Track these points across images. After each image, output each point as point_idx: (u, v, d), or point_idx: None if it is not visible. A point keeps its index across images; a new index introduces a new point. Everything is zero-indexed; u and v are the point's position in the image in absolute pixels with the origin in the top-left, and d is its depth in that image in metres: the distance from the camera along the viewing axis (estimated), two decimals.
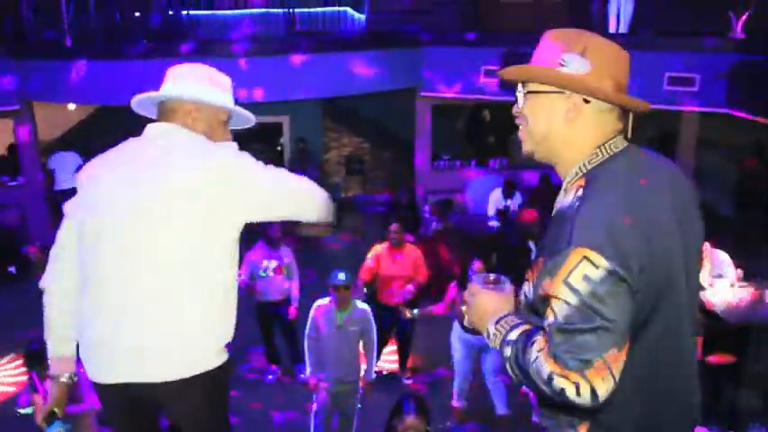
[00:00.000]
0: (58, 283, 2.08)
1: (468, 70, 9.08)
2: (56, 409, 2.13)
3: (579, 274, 1.31)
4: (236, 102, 2.18)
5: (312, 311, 4.77)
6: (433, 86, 9.43)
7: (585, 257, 1.31)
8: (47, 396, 2.16)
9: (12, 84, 8.34)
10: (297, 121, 11.15)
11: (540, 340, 1.38)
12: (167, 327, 1.90)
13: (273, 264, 5.81)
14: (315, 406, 4.82)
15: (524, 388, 4.15)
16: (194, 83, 2.06)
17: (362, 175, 12.03)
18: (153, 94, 2.08)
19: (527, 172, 9.66)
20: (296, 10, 9.27)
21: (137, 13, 9.16)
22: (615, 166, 1.45)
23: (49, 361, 2.13)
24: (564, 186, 1.53)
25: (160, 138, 2.00)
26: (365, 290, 5.86)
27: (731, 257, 5.53)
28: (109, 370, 1.96)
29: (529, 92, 1.54)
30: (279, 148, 11.44)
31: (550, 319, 1.36)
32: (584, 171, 1.48)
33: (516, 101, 1.57)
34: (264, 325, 6.06)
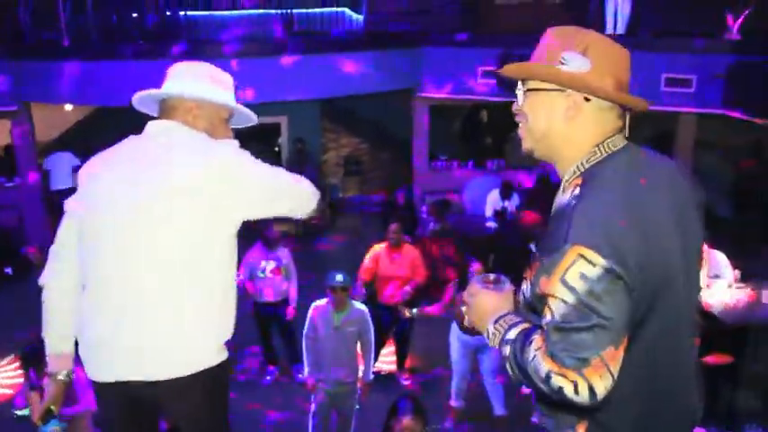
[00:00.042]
0: (58, 280, 2.08)
1: (466, 71, 9.09)
2: (52, 407, 2.13)
3: (576, 273, 1.31)
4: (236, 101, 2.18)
5: (310, 312, 4.77)
6: (430, 87, 9.44)
7: (582, 255, 1.31)
8: (44, 394, 2.15)
9: (9, 84, 8.31)
10: (295, 122, 11.14)
11: (537, 339, 1.39)
12: (167, 326, 1.90)
13: (272, 264, 5.81)
14: (313, 406, 4.82)
15: (524, 389, 4.16)
16: (196, 81, 2.06)
17: (360, 176, 12.03)
18: (154, 91, 2.08)
19: (524, 173, 9.67)
20: (294, 10, 9.26)
21: (134, 14, 9.15)
22: (614, 165, 1.45)
23: (47, 358, 2.13)
24: (562, 185, 1.53)
25: (161, 135, 2.00)
26: (365, 290, 5.84)
27: (729, 258, 5.55)
28: (108, 369, 1.96)
29: (529, 89, 1.53)
30: (277, 149, 11.43)
31: (548, 317, 1.36)
32: (583, 169, 1.48)
33: (516, 99, 1.57)
34: (262, 326, 6.05)
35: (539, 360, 1.35)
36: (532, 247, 1.52)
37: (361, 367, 4.88)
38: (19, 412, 3.83)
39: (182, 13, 9.33)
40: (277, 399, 5.85)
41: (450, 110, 10.87)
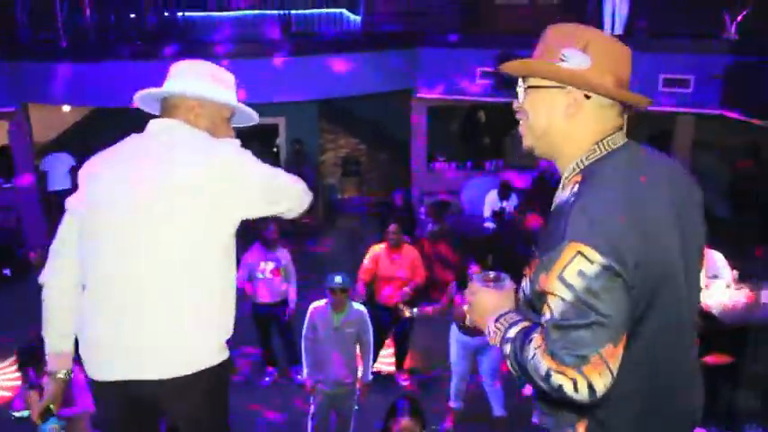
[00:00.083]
0: (57, 278, 2.07)
1: (464, 72, 9.09)
2: (51, 406, 2.12)
3: (574, 270, 1.31)
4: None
5: (308, 313, 4.76)
6: (428, 88, 9.44)
7: (580, 252, 1.30)
8: (43, 393, 2.15)
9: (6, 85, 8.30)
10: (293, 123, 11.14)
11: (537, 337, 1.39)
12: (168, 325, 1.89)
13: (271, 265, 5.80)
14: (312, 408, 4.82)
15: (525, 390, 4.17)
16: (197, 79, 2.06)
17: (358, 177, 12.03)
18: (156, 90, 2.07)
19: (523, 173, 9.68)
20: (291, 11, 9.26)
21: (131, 15, 9.14)
22: (614, 163, 1.45)
23: (47, 357, 2.12)
24: (562, 182, 1.53)
25: (162, 134, 2.00)
26: (365, 291, 5.82)
27: (726, 259, 5.56)
28: (109, 368, 1.95)
29: (529, 87, 1.53)
30: (275, 150, 11.42)
31: (547, 315, 1.36)
32: (582, 167, 1.48)
33: (516, 96, 1.57)
34: (261, 327, 6.04)
35: (538, 358, 1.35)
36: (534, 248, 1.51)
37: (360, 368, 4.87)
38: (17, 414, 3.81)
39: (179, 13, 9.32)
40: (276, 400, 5.84)
41: (449, 110, 10.87)
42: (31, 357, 3.65)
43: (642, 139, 1.55)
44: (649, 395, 1.46)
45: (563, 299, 1.32)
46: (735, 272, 5.61)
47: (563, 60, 1.46)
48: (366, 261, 5.84)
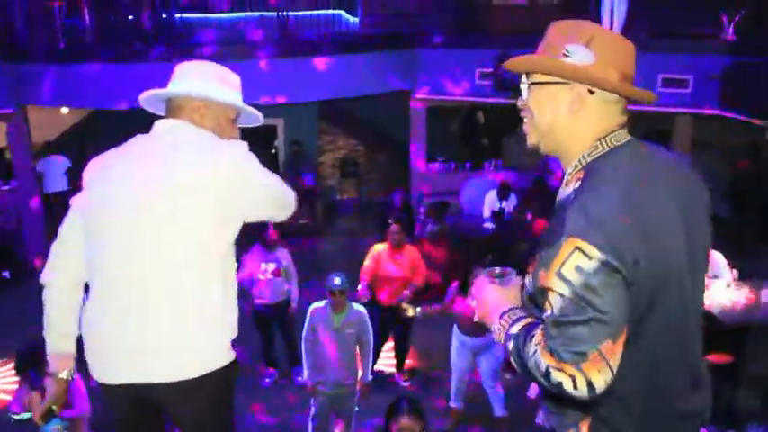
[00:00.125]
0: (58, 278, 2.07)
1: (463, 72, 9.09)
2: (54, 407, 2.11)
3: (572, 266, 1.30)
4: None
5: (309, 314, 4.76)
6: (427, 89, 9.44)
7: (578, 248, 1.30)
8: (45, 394, 2.14)
9: (4, 87, 8.29)
10: (291, 124, 11.14)
11: (538, 334, 1.38)
12: (172, 326, 1.89)
13: (272, 266, 5.79)
14: (312, 409, 4.81)
15: (529, 392, 4.17)
16: (203, 80, 2.05)
17: (357, 178, 12.03)
18: (161, 91, 2.07)
19: (522, 173, 9.68)
20: (289, 13, 9.26)
21: (130, 17, 9.13)
22: (616, 160, 1.44)
23: (48, 358, 2.11)
24: (565, 178, 1.52)
25: (168, 134, 1.99)
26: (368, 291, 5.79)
27: (726, 258, 5.55)
28: (115, 371, 1.95)
29: (533, 83, 1.53)
30: (273, 151, 11.42)
31: (548, 311, 1.36)
32: (585, 163, 1.47)
33: (520, 93, 1.56)
34: (262, 328, 6.04)
35: (539, 355, 1.35)
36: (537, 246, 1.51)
37: (361, 369, 4.87)
38: (17, 416, 3.80)
39: (177, 15, 9.32)
40: (276, 401, 5.83)
41: (448, 111, 10.87)
42: (32, 360, 3.64)
43: (638, 137, 1.54)
44: (653, 395, 1.45)
45: (561, 295, 1.32)
46: (735, 271, 5.61)
47: (566, 56, 1.46)
48: (367, 261, 5.83)
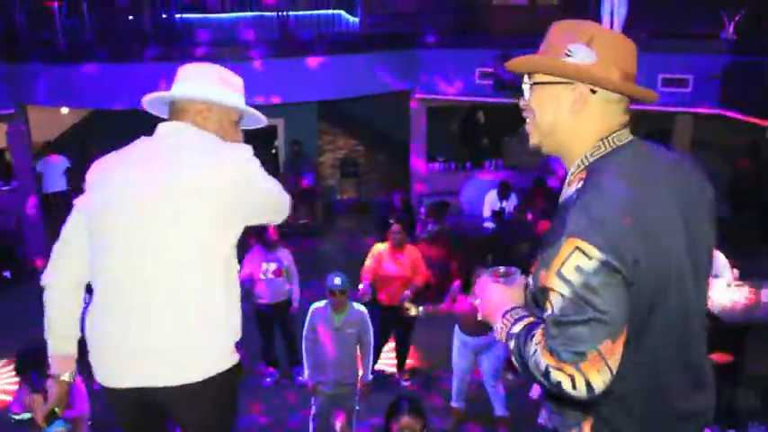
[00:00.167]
0: (59, 279, 2.06)
1: (463, 72, 9.09)
2: (56, 409, 2.11)
3: (572, 265, 1.30)
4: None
5: (309, 314, 4.76)
6: (427, 88, 9.44)
7: (578, 248, 1.30)
8: (47, 396, 2.13)
9: (4, 87, 8.29)
10: (291, 124, 11.13)
11: (538, 333, 1.38)
12: (176, 330, 1.88)
13: (273, 266, 5.80)
14: (313, 409, 4.81)
15: (532, 393, 4.17)
16: (205, 82, 2.05)
17: (357, 178, 12.02)
18: (163, 93, 2.07)
19: (522, 173, 9.68)
20: (289, 13, 9.26)
21: (130, 17, 9.13)
22: (618, 160, 1.44)
23: (50, 360, 2.11)
24: (568, 178, 1.52)
25: (170, 136, 1.99)
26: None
27: (727, 258, 5.55)
28: (118, 374, 1.94)
29: (535, 83, 1.53)
30: (273, 151, 11.41)
31: (548, 311, 1.36)
32: (587, 163, 1.47)
33: (521, 93, 1.56)
34: (264, 327, 6.04)
35: (539, 355, 1.35)
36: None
37: (361, 369, 4.87)
38: (17, 417, 3.80)
39: (177, 15, 9.31)
40: (277, 401, 5.84)
41: (448, 111, 10.87)
42: (32, 360, 3.64)
43: (639, 136, 1.54)
44: (653, 395, 1.45)
45: (562, 295, 1.32)
46: (735, 271, 5.61)
47: (568, 55, 1.46)
48: (368, 261, 5.83)
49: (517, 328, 1.45)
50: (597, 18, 8.18)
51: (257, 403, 5.71)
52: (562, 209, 1.44)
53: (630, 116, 1.51)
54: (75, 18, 8.37)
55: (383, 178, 11.85)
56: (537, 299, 1.47)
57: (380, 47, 9.01)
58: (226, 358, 1.99)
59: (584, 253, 1.29)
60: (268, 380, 6.17)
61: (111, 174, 1.98)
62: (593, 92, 1.46)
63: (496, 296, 1.57)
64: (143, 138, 2.04)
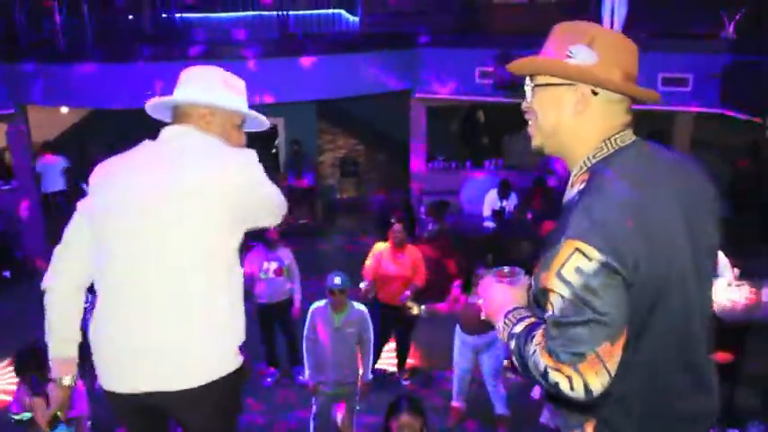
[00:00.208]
0: (60, 282, 2.05)
1: (463, 71, 9.09)
2: (59, 413, 2.10)
3: (571, 267, 1.30)
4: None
5: (309, 313, 4.76)
6: (427, 88, 9.43)
7: (578, 249, 1.30)
8: (49, 400, 2.13)
9: (4, 87, 8.29)
10: (291, 124, 11.13)
11: (539, 334, 1.39)
12: (179, 333, 1.88)
13: (274, 265, 5.80)
14: (314, 408, 4.81)
15: (533, 392, 4.17)
16: (208, 86, 2.05)
17: (357, 177, 12.02)
18: (166, 98, 2.06)
19: (522, 173, 9.67)
20: (290, 12, 9.26)
21: (130, 16, 9.13)
22: (621, 161, 1.44)
23: (51, 363, 2.10)
24: (571, 180, 1.52)
25: (174, 139, 2.00)
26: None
27: (727, 257, 5.55)
28: (122, 379, 1.94)
29: (537, 85, 1.52)
30: (273, 151, 11.41)
31: (549, 312, 1.36)
32: (590, 164, 1.47)
33: (525, 96, 1.56)
34: (265, 327, 6.04)
35: (538, 355, 1.35)
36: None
37: (362, 368, 4.87)
38: (17, 417, 3.80)
39: (178, 15, 9.31)
40: (278, 400, 5.84)
41: (448, 110, 10.86)
42: (32, 361, 3.63)
43: (641, 137, 1.54)
44: (654, 396, 1.45)
45: (562, 296, 1.32)
46: (735, 270, 5.61)
47: (570, 57, 1.46)
48: (369, 260, 5.83)
49: (518, 329, 1.45)
50: (597, 17, 8.18)
51: (257, 403, 5.71)
52: (565, 210, 1.44)
53: (633, 116, 1.51)
54: (75, 18, 8.36)
55: (383, 178, 11.85)
56: (538, 300, 1.47)
57: (380, 46, 9.01)
58: (229, 361, 1.99)
59: (584, 254, 1.29)
60: (269, 379, 6.16)
61: (114, 177, 1.98)
62: (595, 93, 1.46)
63: (500, 296, 1.57)
64: (147, 141, 2.04)
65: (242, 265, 2.09)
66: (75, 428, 3.87)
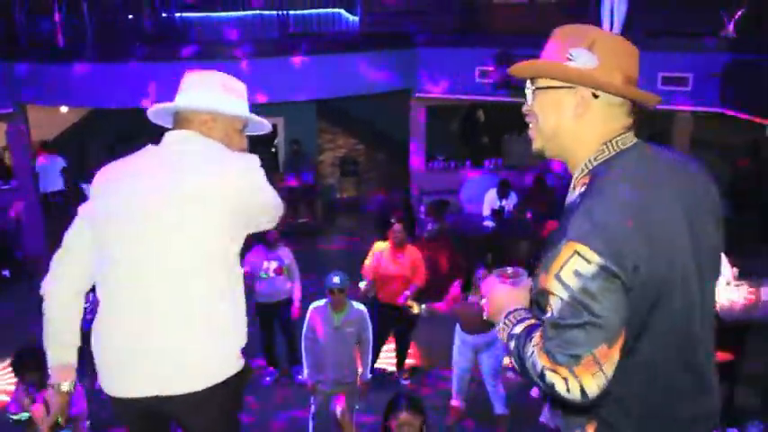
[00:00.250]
0: (59, 288, 2.04)
1: (463, 71, 9.08)
2: (60, 419, 2.10)
3: (570, 269, 1.31)
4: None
5: (308, 313, 4.76)
6: (427, 87, 9.43)
7: (577, 252, 1.30)
8: (49, 407, 2.12)
9: (4, 87, 8.28)
10: (291, 123, 11.13)
11: (537, 335, 1.39)
12: (181, 337, 1.88)
13: (274, 264, 5.80)
14: (312, 408, 4.81)
15: (533, 391, 4.15)
16: (209, 92, 2.04)
17: (357, 177, 12.02)
18: (167, 105, 2.06)
19: (522, 172, 9.67)
20: (289, 12, 9.25)
21: (130, 16, 9.12)
22: (622, 163, 1.44)
23: (50, 370, 2.09)
24: (572, 183, 1.52)
25: (176, 144, 2.00)
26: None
27: (726, 257, 5.56)
28: (125, 384, 1.93)
29: (538, 88, 1.53)
30: (273, 150, 11.41)
31: (548, 313, 1.36)
32: (591, 167, 1.47)
33: (526, 98, 1.56)
34: (265, 326, 6.04)
35: (535, 356, 1.36)
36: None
37: (360, 367, 4.87)
38: (15, 417, 3.79)
39: (178, 14, 9.31)
40: (277, 400, 5.84)
41: (447, 110, 10.86)
42: (31, 360, 3.63)
43: (641, 138, 1.54)
44: (657, 397, 1.45)
45: (561, 298, 1.32)
46: (735, 269, 5.60)
47: (570, 60, 1.46)
48: (369, 259, 5.83)
49: (518, 329, 1.46)
50: (597, 17, 8.18)
51: (257, 402, 5.71)
52: (566, 212, 1.44)
53: (634, 119, 1.51)
54: (75, 17, 8.36)
55: (383, 177, 11.85)
56: (539, 301, 1.47)
57: (380, 46, 9.01)
58: (231, 364, 1.99)
59: (583, 257, 1.30)
60: (268, 378, 6.16)
61: (116, 182, 1.97)
62: (596, 96, 1.46)
63: (503, 297, 1.58)
64: (149, 146, 2.04)
65: (242, 264, 2.09)
66: (72, 428, 3.87)
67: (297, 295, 5.95)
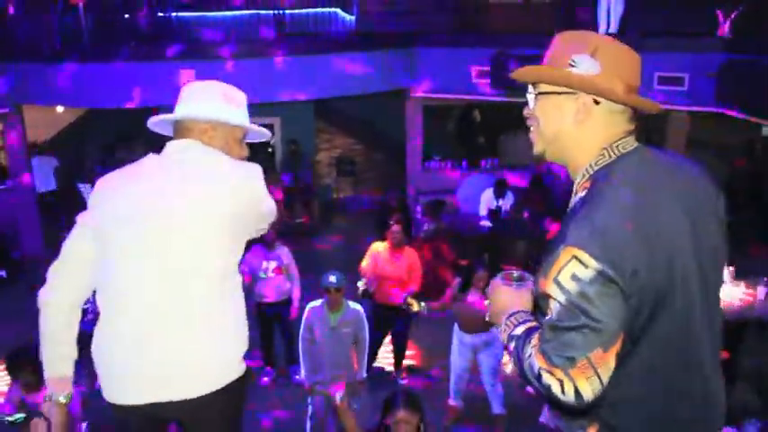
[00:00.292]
0: (56, 298, 2.03)
1: (459, 71, 9.09)
2: None
3: (568, 273, 1.32)
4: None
5: (305, 314, 4.75)
6: (423, 87, 9.43)
7: (575, 257, 1.31)
8: (49, 425, 2.10)
9: (0, 87, 8.26)
10: (288, 123, 11.13)
11: (535, 337, 1.40)
12: (183, 344, 1.88)
13: (273, 264, 5.80)
14: (310, 408, 4.80)
15: (529, 388, 4.10)
16: (209, 102, 2.05)
17: (354, 177, 12.03)
18: (168, 115, 2.07)
19: (518, 172, 9.68)
20: (285, 11, 9.24)
21: (125, 15, 9.11)
22: (623, 168, 1.44)
23: (47, 382, 2.07)
24: (574, 188, 1.53)
25: (177, 153, 2.00)
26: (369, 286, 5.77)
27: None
28: (127, 391, 1.93)
29: (539, 93, 1.53)
30: (270, 150, 11.40)
31: (548, 316, 1.38)
32: (591, 172, 1.48)
33: (527, 102, 1.57)
34: (264, 326, 6.03)
35: (533, 357, 1.37)
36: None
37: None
38: (10, 418, 3.77)
39: (173, 14, 9.29)
40: (274, 400, 5.83)
41: (444, 110, 10.87)
42: (26, 361, 3.61)
43: (638, 138, 1.54)
44: (658, 400, 1.45)
45: (559, 301, 1.34)
46: (731, 268, 5.62)
47: (572, 66, 1.46)
48: (366, 259, 5.82)
49: (518, 331, 1.47)
50: (594, 16, 8.19)
51: (254, 402, 5.68)
52: (568, 217, 1.45)
53: (636, 125, 1.51)
54: (71, 17, 8.34)
55: (380, 177, 11.85)
56: (539, 304, 1.48)
57: (376, 45, 9.00)
58: (233, 369, 1.99)
59: (580, 262, 1.31)
60: (265, 379, 6.16)
61: (118, 189, 1.98)
62: (597, 102, 1.47)
63: (506, 299, 1.59)
64: (151, 155, 2.05)
65: (241, 264, 2.09)
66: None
67: (296, 295, 5.95)
